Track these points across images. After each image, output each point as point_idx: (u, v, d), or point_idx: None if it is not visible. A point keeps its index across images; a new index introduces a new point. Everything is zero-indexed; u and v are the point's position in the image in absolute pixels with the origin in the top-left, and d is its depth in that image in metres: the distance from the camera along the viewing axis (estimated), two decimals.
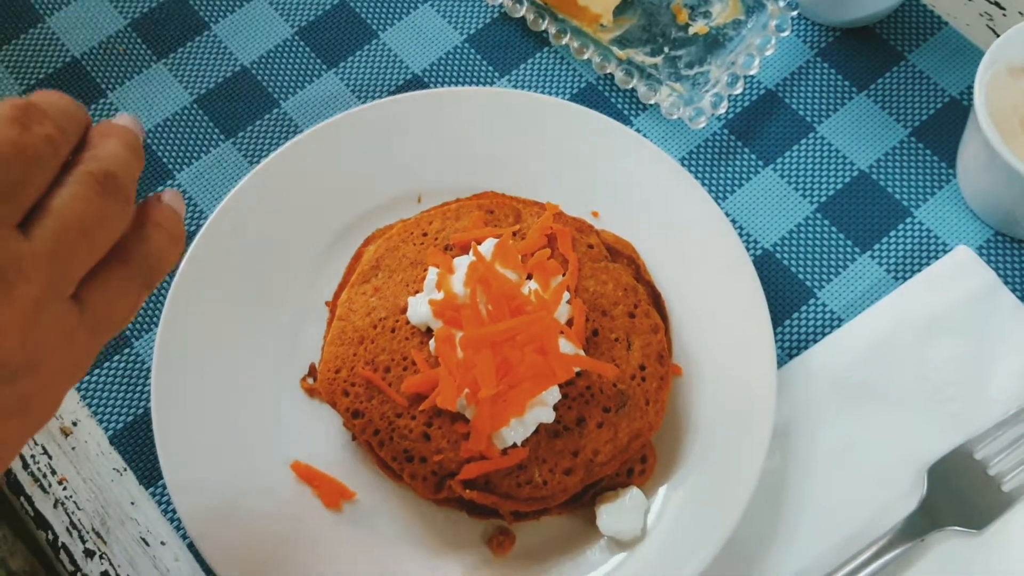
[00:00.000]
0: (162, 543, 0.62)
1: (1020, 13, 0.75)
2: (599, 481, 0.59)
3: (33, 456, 0.64)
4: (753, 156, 0.71)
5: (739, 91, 0.71)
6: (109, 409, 0.65)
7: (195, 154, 0.72)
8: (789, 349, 0.65)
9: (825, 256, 0.68)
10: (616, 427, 0.59)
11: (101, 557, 0.62)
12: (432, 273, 0.60)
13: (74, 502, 0.63)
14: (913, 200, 0.70)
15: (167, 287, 0.67)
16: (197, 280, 0.64)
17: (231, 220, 0.65)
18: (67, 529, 0.62)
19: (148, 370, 0.65)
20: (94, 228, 0.39)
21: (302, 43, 0.76)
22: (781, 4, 0.72)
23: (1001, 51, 0.64)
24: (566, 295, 0.59)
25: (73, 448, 0.64)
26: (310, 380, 0.64)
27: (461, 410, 0.57)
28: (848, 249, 0.68)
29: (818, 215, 0.69)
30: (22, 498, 0.63)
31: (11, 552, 0.67)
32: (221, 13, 0.77)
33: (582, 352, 0.58)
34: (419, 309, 0.59)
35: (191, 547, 0.61)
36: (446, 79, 0.75)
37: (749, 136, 0.72)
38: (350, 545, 0.59)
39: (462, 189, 0.68)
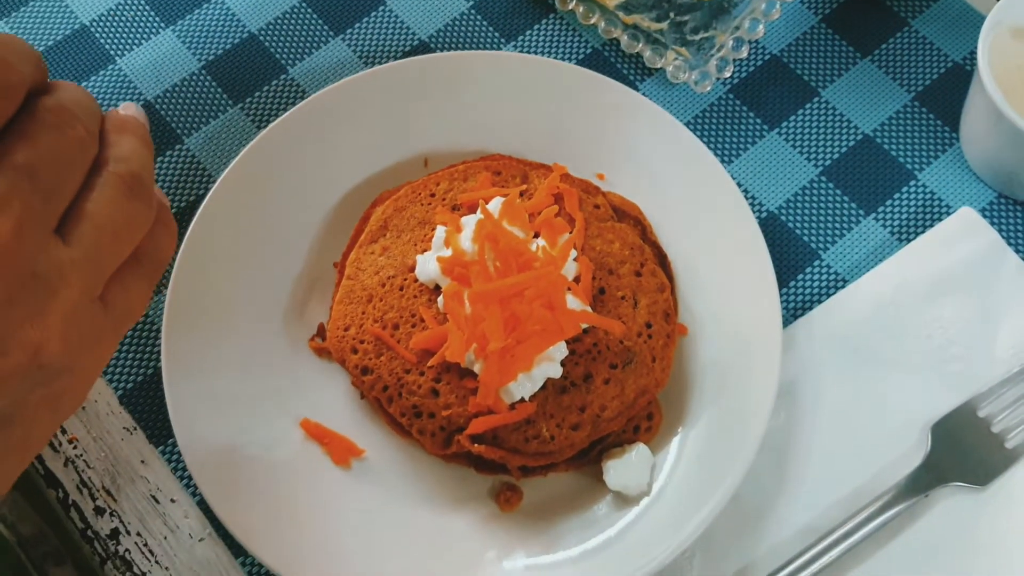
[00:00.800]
0: (172, 500, 0.62)
1: None
2: (606, 437, 0.60)
3: None
4: (758, 120, 0.72)
5: (744, 55, 0.71)
6: (119, 369, 0.65)
7: (203, 119, 0.73)
8: (794, 310, 0.66)
9: (830, 218, 0.68)
10: (623, 383, 0.59)
11: (111, 515, 0.62)
12: (440, 231, 0.60)
13: (84, 460, 0.63)
14: (917, 163, 0.70)
15: (176, 248, 0.67)
16: (206, 242, 0.64)
17: (239, 184, 0.66)
18: (77, 487, 0.63)
19: (157, 331, 0.66)
20: (125, 231, 0.40)
21: (309, 9, 0.76)
22: None
23: (1004, 12, 0.64)
24: (573, 252, 0.60)
25: (83, 407, 0.64)
26: (319, 340, 0.64)
27: (469, 365, 0.57)
28: (852, 211, 0.69)
29: (822, 178, 0.70)
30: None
31: (20, 517, 0.68)
32: None
33: (589, 309, 0.59)
34: (428, 266, 0.60)
35: (201, 504, 0.62)
36: (452, 45, 0.75)
37: (754, 100, 0.72)
38: (359, 501, 0.60)
39: (468, 153, 0.68)
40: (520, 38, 0.75)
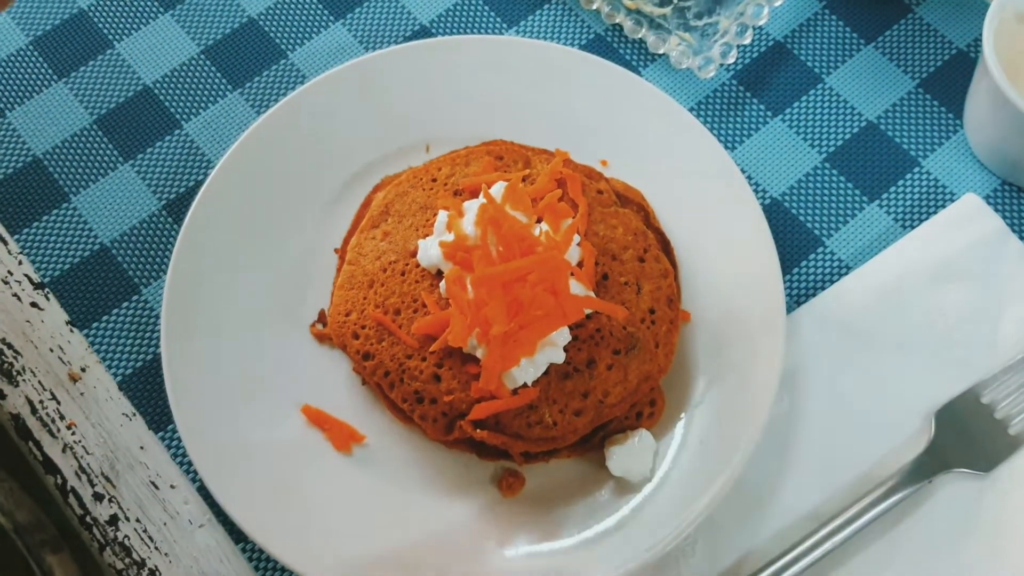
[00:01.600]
0: (172, 486, 0.62)
1: None
2: (608, 423, 0.60)
3: (41, 401, 0.64)
4: (762, 106, 0.71)
5: (748, 41, 0.71)
6: (118, 355, 0.65)
7: (203, 104, 0.72)
8: (797, 296, 0.66)
9: (833, 205, 0.68)
10: (626, 369, 0.59)
11: (110, 500, 0.62)
12: (443, 215, 0.60)
13: (83, 447, 0.63)
14: (920, 150, 0.70)
15: (175, 233, 0.67)
16: (205, 228, 0.64)
17: (238, 169, 0.65)
18: (76, 473, 0.62)
19: (156, 317, 0.66)
20: None
21: None
22: None
23: None
24: (576, 238, 0.59)
25: (82, 394, 0.64)
26: (319, 326, 0.64)
27: (471, 350, 0.57)
28: (856, 198, 0.68)
29: (826, 165, 0.69)
30: (30, 443, 0.63)
31: (17, 505, 0.67)
32: None
33: (592, 294, 0.59)
34: (430, 251, 0.60)
35: (201, 490, 0.61)
36: (454, 30, 0.74)
37: (758, 87, 0.72)
38: (359, 487, 0.60)
39: (470, 138, 0.68)
40: (522, 23, 0.75)
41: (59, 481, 0.62)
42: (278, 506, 0.58)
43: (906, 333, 0.63)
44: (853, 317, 0.64)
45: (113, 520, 0.61)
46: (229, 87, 0.73)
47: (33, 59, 0.74)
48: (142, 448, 0.63)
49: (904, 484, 0.58)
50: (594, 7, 0.72)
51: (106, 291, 0.66)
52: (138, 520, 0.61)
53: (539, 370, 0.57)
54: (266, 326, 0.63)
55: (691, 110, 0.71)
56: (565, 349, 0.58)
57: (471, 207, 0.60)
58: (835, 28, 0.74)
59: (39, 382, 0.64)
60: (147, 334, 0.65)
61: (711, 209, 0.65)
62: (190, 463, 0.62)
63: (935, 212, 0.67)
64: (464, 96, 0.68)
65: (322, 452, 0.60)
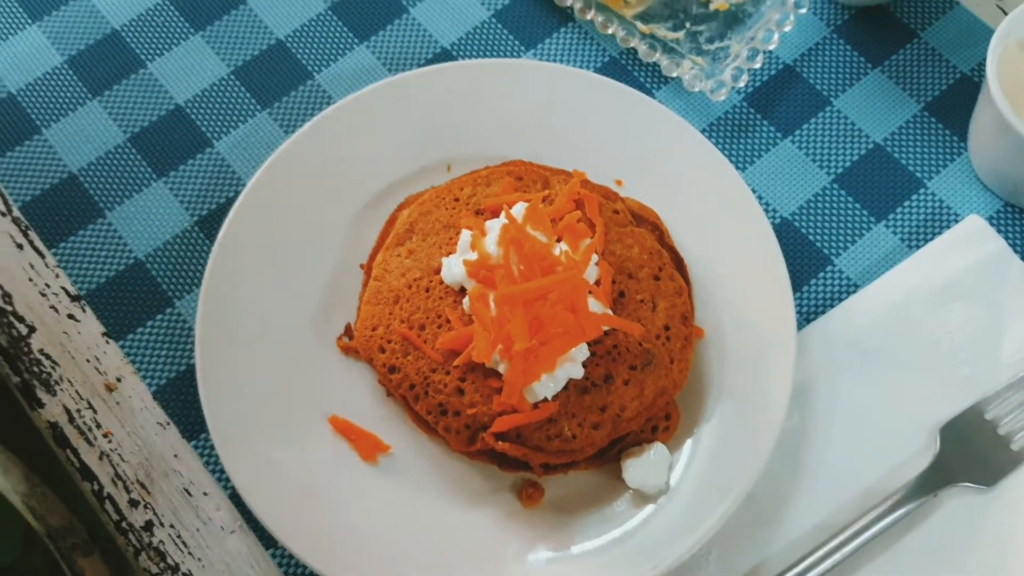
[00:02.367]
0: (204, 493, 0.64)
1: None
2: (625, 436, 0.62)
3: (79, 410, 0.66)
4: (772, 128, 0.74)
5: (758, 65, 0.73)
6: (153, 366, 0.67)
7: (233, 123, 0.74)
8: (807, 314, 0.68)
9: (841, 225, 0.70)
10: (642, 384, 0.61)
11: (145, 507, 0.64)
12: (466, 235, 0.62)
13: (119, 454, 0.65)
14: (926, 172, 0.72)
15: (207, 248, 0.69)
16: (237, 245, 0.66)
17: (268, 187, 0.68)
18: (112, 480, 0.65)
19: (189, 329, 0.68)
20: None
21: (335, 17, 0.78)
22: None
23: (1012, 26, 0.66)
24: (594, 257, 0.62)
25: (118, 403, 0.66)
26: (346, 339, 0.66)
27: (494, 365, 0.59)
28: (864, 218, 0.71)
29: (835, 185, 0.72)
30: (68, 451, 0.66)
31: (49, 509, 0.70)
32: None
33: (610, 311, 0.61)
34: (453, 269, 0.62)
35: (232, 497, 0.64)
36: (474, 52, 0.77)
37: (768, 109, 0.74)
38: (385, 495, 0.62)
39: (490, 158, 0.70)
40: (539, 46, 0.77)
41: (96, 488, 0.65)
42: (306, 512, 0.61)
43: (912, 351, 0.66)
44: (861, 335, 0.66)
45: (148, 526, 0.64)
46: (258, 107, 0.75)
47: (68, 78, 0.76)
48: (176, 456, 0.65)
49: (910, 497, 0.61)
50: (610, 31, 0.75)
51: (140, 304, 0.69)
52: (172, 526, 0.63)
53: (559, 385, 0.60)
54: (295, 339, 0.65)
55: (703, 131, 0.74)
56: (584, 365, 0.60)
57: (493, 227, 0.62)
58: (843, 52, 0.76)
59: (76, 391, 0.67)
60: (180, 346, 0.68)
61: (723, 228, 0.67)
62: (222, 471, 0.64)
63: (940, 232, 0.70)
64: (484, 117, 0.71)
65: (349, 461, 0.63)
